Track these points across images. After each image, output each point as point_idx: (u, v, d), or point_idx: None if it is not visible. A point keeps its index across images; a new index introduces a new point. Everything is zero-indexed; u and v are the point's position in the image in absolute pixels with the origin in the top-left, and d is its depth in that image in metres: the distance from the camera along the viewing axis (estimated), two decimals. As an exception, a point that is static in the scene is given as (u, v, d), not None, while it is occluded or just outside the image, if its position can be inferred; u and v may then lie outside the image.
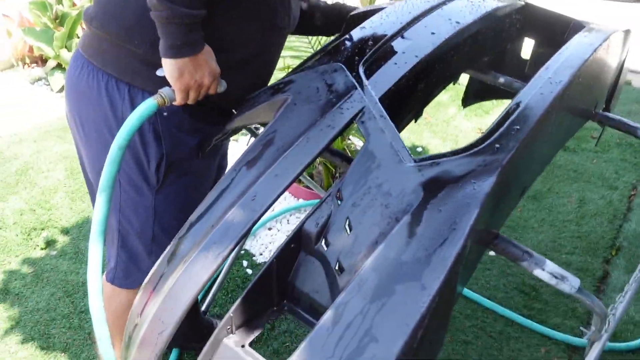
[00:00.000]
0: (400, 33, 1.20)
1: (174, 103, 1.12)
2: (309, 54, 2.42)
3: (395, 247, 0.86)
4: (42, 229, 2.41)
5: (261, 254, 2.32)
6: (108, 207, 1.05)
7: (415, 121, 1.35)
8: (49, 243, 2.34)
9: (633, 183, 3.06)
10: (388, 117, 1.01)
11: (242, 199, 0.97)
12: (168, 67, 1.07)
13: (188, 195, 1.31)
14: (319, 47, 1.95)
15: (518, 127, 0.98)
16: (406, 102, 1.15)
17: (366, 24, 1.25)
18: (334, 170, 2.67)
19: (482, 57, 1.43)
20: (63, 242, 2.36)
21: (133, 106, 1.18)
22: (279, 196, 0.97)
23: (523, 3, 1.52)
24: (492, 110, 3.74)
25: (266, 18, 1.21)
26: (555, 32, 1.60)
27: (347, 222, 0.94)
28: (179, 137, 1.24)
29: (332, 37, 1.49)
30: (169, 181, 1.26)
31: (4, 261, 2.25)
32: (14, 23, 3.95)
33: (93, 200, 1.35)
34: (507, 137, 0.97)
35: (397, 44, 1.17)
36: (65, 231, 2.42)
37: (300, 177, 2.31)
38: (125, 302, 1.39)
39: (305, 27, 1.50)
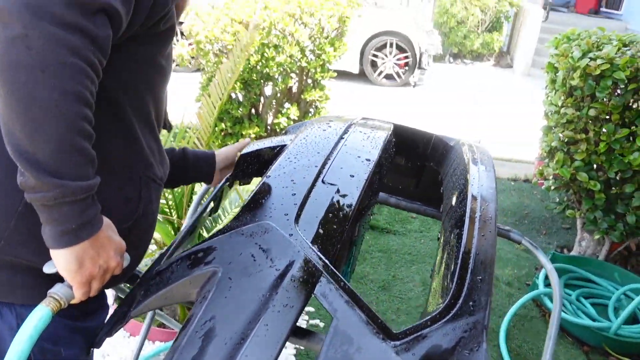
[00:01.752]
0: (319, 177, 1.10)
1: (73, 302, 0.85)
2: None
3: None
4: None
5: None
6: None
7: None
8: None
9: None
10: (350, 286, 0.89)
11: None
12: (62, 260, 0.80)
13: None
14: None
15: (481, 277, 0.94)
16: (347, 257, 1.04)
17: (274, 171, 1.12)
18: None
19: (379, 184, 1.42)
20: None
21: None
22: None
23: (392, 125, 1.56)
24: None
25: (144, 172, 1.01)
26: (419, 147, 1.69)
27: None
28: (56, 354, 0.94)
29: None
30: None
31: None
32: None
33: None
34: (477, 292, 0.92)
35: (322, 192, 1.06)
36: None
37: (149, 313, 2.00)
38: None
39: (178, 177, 1.31)
